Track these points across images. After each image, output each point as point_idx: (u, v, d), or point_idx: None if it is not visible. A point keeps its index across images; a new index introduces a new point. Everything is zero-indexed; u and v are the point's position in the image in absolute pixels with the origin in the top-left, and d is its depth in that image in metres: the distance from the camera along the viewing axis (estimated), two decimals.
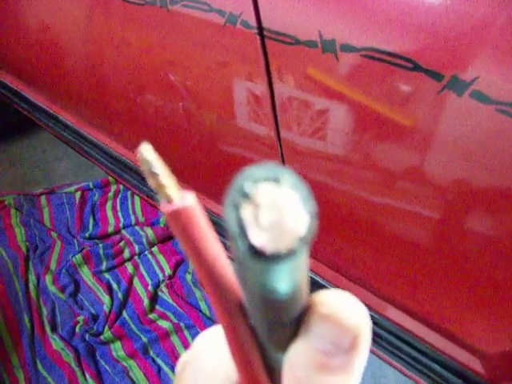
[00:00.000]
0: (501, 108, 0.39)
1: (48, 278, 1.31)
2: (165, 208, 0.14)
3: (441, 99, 0.43)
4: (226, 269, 0.15)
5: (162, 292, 1.29)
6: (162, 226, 1.44)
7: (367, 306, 0.71)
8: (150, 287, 1.28)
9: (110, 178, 1.56)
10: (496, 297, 0.52)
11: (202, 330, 1.19)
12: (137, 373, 1.14)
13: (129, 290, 1.29)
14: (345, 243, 0.66)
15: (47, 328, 1.22)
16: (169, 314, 1.24)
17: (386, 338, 0.71)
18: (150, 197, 1.04)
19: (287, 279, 0.14)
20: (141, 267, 1.35)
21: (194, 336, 1.20)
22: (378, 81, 0.47)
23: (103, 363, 1.16)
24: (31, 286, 1.30)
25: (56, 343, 1.18)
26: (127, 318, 1.24)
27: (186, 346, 1.18)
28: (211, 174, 0.80)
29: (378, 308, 0.70)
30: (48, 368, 1.14)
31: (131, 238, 1.39)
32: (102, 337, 1.19)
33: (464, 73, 0.40)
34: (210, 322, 1.21)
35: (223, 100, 0.64)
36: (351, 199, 0.58)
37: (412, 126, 0.47)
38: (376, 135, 0.50)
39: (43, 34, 0.93)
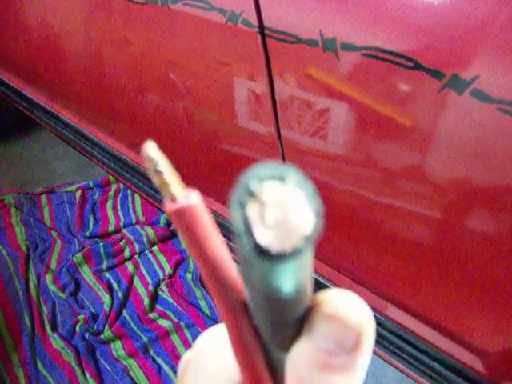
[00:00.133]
0: (501, 107, 0.39)
1: (48, 277, 1.31)
2: (169, 206, 0.14)
3: (441, 98, 0.43)
4: (230, 268, 0.15)
5: (163, 291, 1.29)
6: (162, 225, 1.44)
7: (368, 305, 0.71)
8: (150, 286, 1.29)
9: (111, 177, 1.56)
10: (496, 296, 0.52)
11: (203, 329, 1.19)
12: (137, 372, 1.14)
13: (129, 289, 1.29)
14: (345, 242, 0.66)
15: (47, 327, 1.22)
16: (169, 313, 1.24)
17: (386, 338, 0.71)
18: (151, 196, 1.04)
19: (292, 278, 0.14)
20: (141, 266, 1.35)
21: (194, 335, 1.20)
22: (379, 80, 0.47)
23: (103, 362, 1.16)
24: (31, 285, 1.30)
25: (56, 342, 1.18)
26: (127, 317, 1.24)
27: (187, 345, 1.18)
28: (212, 173, 0.80)
29: (379, 307, 0.70)
30: (48, 367, 1.14)
31: (132, 237, 1.40)
32: (102, 336, 1.19)
33: (464, 71, 0.40)
34: (210, 321, 1.21)
35: (224, 99, 0.64)
36: (352, 198, 0.58)
37: (413, 125, 0.47)
38: (377, 134, 0.50)
39: (44, 33, 0.94)
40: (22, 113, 1.33)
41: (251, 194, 0.12)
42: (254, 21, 0.54)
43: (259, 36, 0.54)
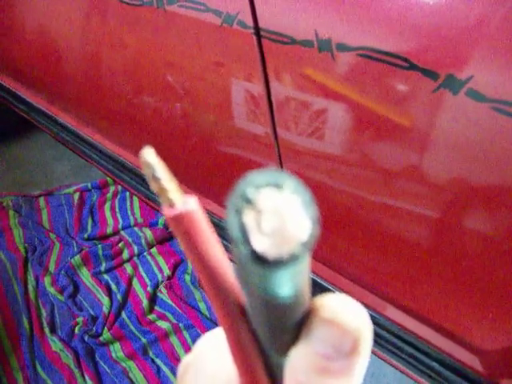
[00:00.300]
0: (496, 106, 0.39)
1: (47, 280, 1.31)
2: (167, 212, 0.14)
3: (437, 98, 0.43)
4: (228, 273, 0.15)
5: (161, 293, 1.29)
6: (160, 226, 1.44)
7: (366, 305, 0.71)
8: (149, 288, 1.28)
9: (109, 179, 1.56)
10: (495, 295, 0.52)
11: (202, 330, 1.19)
12: (136, 374, 1.14)
13: (128, 291, 1.29)
14: (343, 242, 0.66)
15: (46, 329, 1.22)
16: (168, 314, 1.24)
17: (385, 338, 0.71)
18: (149, 198, 1.04)
19: (289, 284, 0.14)
20: (140, 268, 1.35)
21: (193, 336, 1.20)
22: (374, 80, 0.47)
23: (102, 364, 1.16)
24: (30, 288, 1.30)
25: (55, 345, 1.18)
26: (126, 318, 1.24)
27: (186, 346, 1.18)
28: (209, 174, 0.80)
29: (378, 307, 0.70)
30: (47, 369, 1.14)
31: (130, 239, 1.39)
32: (101, 338, 1.19)
33: (459, 71, 0.40)
34: (209, 322, 1.21)
35: (220, 100, 0.64)
36: (348, 198, 0.58)
37: (408, 125, 0.47)
38: (372, 134, 0.50)
39: (41, 36, 0.93)
40: (20, 115, 1.33)
41: (248, 201, 0.12)
42: (250, 22, 0.54)
43: (255, 37, 0.54)
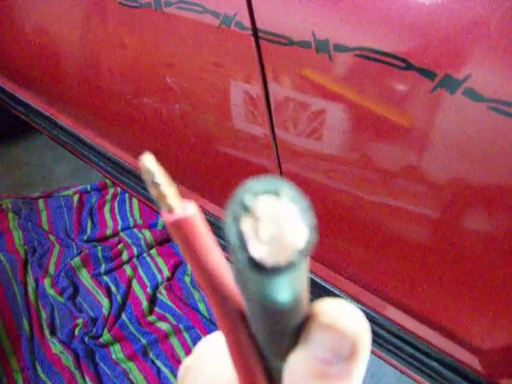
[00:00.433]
0: (493, 105, 0.39)
1: (47, 282, 1.31)
2: (166, 218, 0.14)
3: (434, 98, 0.43)
4: (227, 277, 0.16)
5: (161, 294, 1.29)
6: (160, 228, 1.44)
7: (365, 305, 0.71)
8: (148, 289, 1.28)
9: (108, 181, 1.56)
10: (494, 294, 0.52)
11: (201, 331, 1.19)
12: (136, 375, 1.14)
13: (127, 293, 1.29)
14: (342, 242, 0.66)
15: (46, 331, 1.22)
16: (168, 315, 1.24)
17: (385, 338, 0.71)
18: (148, 199, 1.04)
19: (287, 290, 0.14)
20: (139, 269, 1.35)
21: (193, 337, 1.20)
22: (372, 80, 0.47)
23: (103, 366, 1.16)
24: (30, 290, 1.30)
25: (55, 346, 1.18)
26: (126, 320, 1.24)
27: (186, 347, 1.18)
28: (207, 175, 0.80)
29: (377, 307, 0.70)
30: (47, 371, 1.14)
31: (129, 241, 1.39)
32: (101, 339, 1.19)
33: (456, 71, 0.41)
34: (208, 323, 1.21)
35: (219, 101, 0.64)
36: (347, 198, 0.58)
37: (406, 125, 0.47)
38: (371, 134, 0.50)
39: (40, 37, 0.94)
40: (18, 117, 1.33)
41: (246, 209, 0.13)
42: (248, 23, 0.54)
43: (253, 38, 0.54)
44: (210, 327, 1.20)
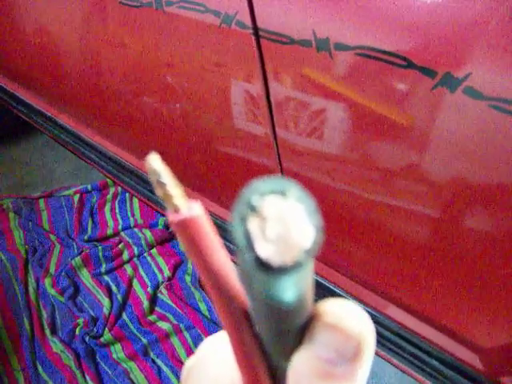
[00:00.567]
0: (493, 104, 0.40)
1: (47, 281, 1.31)
2: (172, 217, 0.14)
3: (435, 96, 0.43)
4: (232, 277, 0.16)
5: (162, 294, 1.29)
6: (160, 227, 1.44)
7: (366, 303, 0.71)
8: (149, 289, 1.29)
9: (109, 181, 1.56)
10: (494, 293, 0.52)
11: (202, 331, 1.19)
12: (137, 374, 1.14)
13: (128, 292, 1.29)
14: (342, 241, 0.66)
15: (47, 331, 1.22)
16: (168, 315, 1.24)
17: (386, 336, 0.71)
18: (149, 199, 1.04)
19: (293, 290, 0.14)
20: (140, 269, 1.35)
21: (193, 337, 1.20)
22: (373, 79, 0.47)
23: (103, 365, 1.16)
24: (31, 289, 1.30)
25: (56, 346, 1.18)
26: (127, 319, 1.24)
27: (186, 347, 1.18)
28: (208, 174, 0.80)
29: (378, 306, 0.70)
30: (48, 371, 1.14)
31: (130, 240, 1.40)
32: (102, 339, 1.19)
33: (457, 69, 0.41)
34: (209, 322, 1.21)
35: (220, 100, 0.64)
36: (348, 198, 0.58)
37: (407, 123, 0.47)
38: (371, 133, 0.50)
39: (40, 37, 0.94)
40: (19, 117, 1.34)
41: (252, 209, 0.13)
42: (248, 22, 0.54)
43: (253, 37, 0.54)
44: (210, 327, 1.20)
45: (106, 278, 1.33)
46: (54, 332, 1.21)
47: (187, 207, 0.14)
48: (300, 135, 0.57)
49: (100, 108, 0.93)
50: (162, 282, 1.31)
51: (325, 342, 0.15)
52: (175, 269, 1.34)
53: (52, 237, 1.43)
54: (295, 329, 0.16)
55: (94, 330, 1.20)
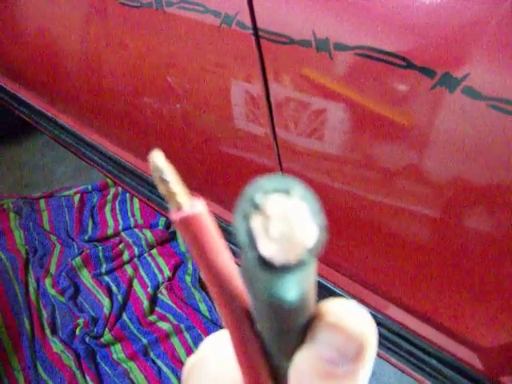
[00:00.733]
0: (492, 104, 0.40)
1: (48, 281, 1.31)
2: (175, 215, 0.14)
3: (434, 96, 0.43)
4: (234, 275, 0.16)
5: (162, 294, 1.29)
6: (161, 228, 1.44)
7: (366, 303, 0.71)
8: (149, 289, 1.29)
9: (109, 181, 1.56)
10: (494, 293, 0.52)
11: (202, 331, 1.19)
12: (137, 375, 1.14)
13: (128, 292, 1.29)
14: (343, 241, 0.66)
15: (47, 331, 1.22)
16: (168, 315, 1.24)
17: (385, 336, 0.72)
18: (149, 199, 1.04)
19: (295, 289, 0.14)
20: (140, 269, 1.35)
21: (193, 337, 1.20)
22: (372, 79, 0.47)
23: (104, 365, 1.16)
24: (31, 290, 1.30)
25: (56, 346, 1.18)
26: (127, 320, 1.24)
27: (186, 347, 1.19)
28: (208, 175, 0.80)
29: (378, 306, 0.70)
30: (48, 371, 1.14)
31: (130, 241, 1.40)
32: (102, 339, 1.19)
33: (456, 69, 0.41)
34: (209, 323, 1.22)
35: (220, 101, 0.64)
36: (348, 198, 0.59)
37: (407, 123, 0.47)
38: (371, 133, 0.51)
39: (41, 37, 0.94)
40: (20, 117, 1.34)
41: (256, 207, 0.13)
42: (248, 22, 0.54)
43: (253, 38, 0.55)
44: (210, 327, 1.20)
45: (107, 278, 1.33)
46: (54, 332, 1.22)
47: (190, 205, 0.14)
48: (300, 135, 0.57)
49: (100, 108, 0.93)
50: (163, 283, 1.31)
51: (327, 341, 0.15)
52: (175, 269, 1.34)
53: (52, 237, 1.44)
54: (297, 328, 0.16)
55: (95, 330, 1.21)
